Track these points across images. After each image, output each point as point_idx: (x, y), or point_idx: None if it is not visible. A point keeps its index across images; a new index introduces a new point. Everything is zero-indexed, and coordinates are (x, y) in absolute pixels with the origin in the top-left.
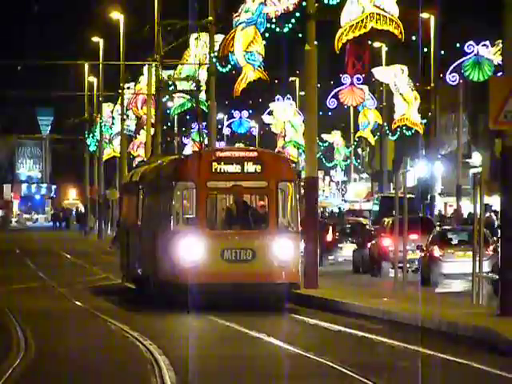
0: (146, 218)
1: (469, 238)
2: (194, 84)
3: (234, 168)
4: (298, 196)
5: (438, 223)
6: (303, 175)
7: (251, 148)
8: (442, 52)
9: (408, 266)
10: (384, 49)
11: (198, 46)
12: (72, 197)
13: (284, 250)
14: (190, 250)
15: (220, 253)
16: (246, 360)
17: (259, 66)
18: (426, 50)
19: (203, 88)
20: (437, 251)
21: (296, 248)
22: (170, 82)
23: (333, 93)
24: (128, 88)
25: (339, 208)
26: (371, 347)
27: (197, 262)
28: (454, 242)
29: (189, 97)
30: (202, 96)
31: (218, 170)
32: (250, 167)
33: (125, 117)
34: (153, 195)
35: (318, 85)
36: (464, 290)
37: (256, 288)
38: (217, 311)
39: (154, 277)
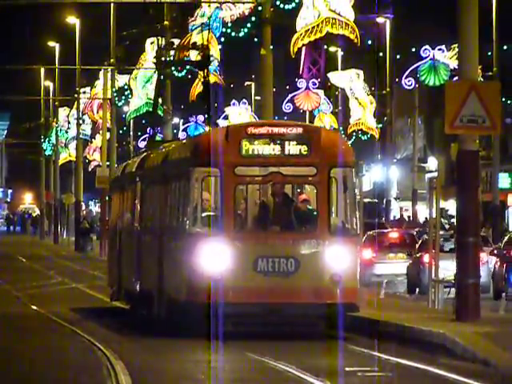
0: (147, 217)
1: (400, 241)
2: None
3: (272, 149)
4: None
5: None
6: None
7: (295, 122)
8: (398, 56)
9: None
10: (340, 53)
11: (154, 51)
12: (28, 201)
13: (338, 260)
14: (212, 259)
15: (253, 263)
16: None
17: (215, 71)
18: (381, 54)
19: (217, 56)
20: (369, 253)
21: (354, 257)
22: (126, 87)
23: (289, 97)
24: (84, 92)
25: None
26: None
27: (221, 275)
28: (386, 244)
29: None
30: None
31: (251, 152)
32: (294, 148)
33: (80, 121)
34: (158, 188)
35: (274, 89)
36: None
37: (300, 310)
38: (244, 339)
39: (160, 293)
